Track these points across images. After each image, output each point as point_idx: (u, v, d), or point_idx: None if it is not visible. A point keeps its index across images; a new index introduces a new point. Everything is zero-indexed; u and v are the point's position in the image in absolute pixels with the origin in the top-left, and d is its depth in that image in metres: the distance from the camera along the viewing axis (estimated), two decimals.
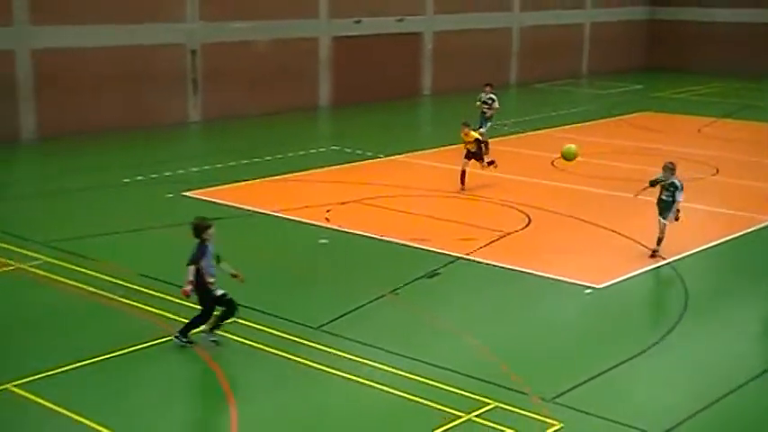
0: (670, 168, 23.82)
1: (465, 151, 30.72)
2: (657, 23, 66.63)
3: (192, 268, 17.42)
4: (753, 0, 62.30)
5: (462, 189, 30.21)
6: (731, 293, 22.61)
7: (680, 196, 23.46)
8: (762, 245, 26.47)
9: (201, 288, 17.53)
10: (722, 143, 39.35)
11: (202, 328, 17.85)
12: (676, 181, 23.59)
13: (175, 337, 17.89)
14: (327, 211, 27.42)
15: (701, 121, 43.58)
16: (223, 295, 17.74)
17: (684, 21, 65.25)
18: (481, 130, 34.16)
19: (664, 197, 23.77)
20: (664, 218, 23.63)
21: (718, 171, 34.31)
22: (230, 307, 17.93)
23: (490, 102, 36.05)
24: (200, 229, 18.11)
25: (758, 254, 25.84)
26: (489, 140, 34.48)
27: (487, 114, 35.99)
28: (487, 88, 36.52)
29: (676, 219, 23.62)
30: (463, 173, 30.29)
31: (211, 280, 17.53)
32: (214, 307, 17.72)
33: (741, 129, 42.80)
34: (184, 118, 42.04)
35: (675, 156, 34.81)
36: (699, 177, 33.33)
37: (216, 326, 18.00)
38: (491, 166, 30.99)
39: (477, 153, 30.65)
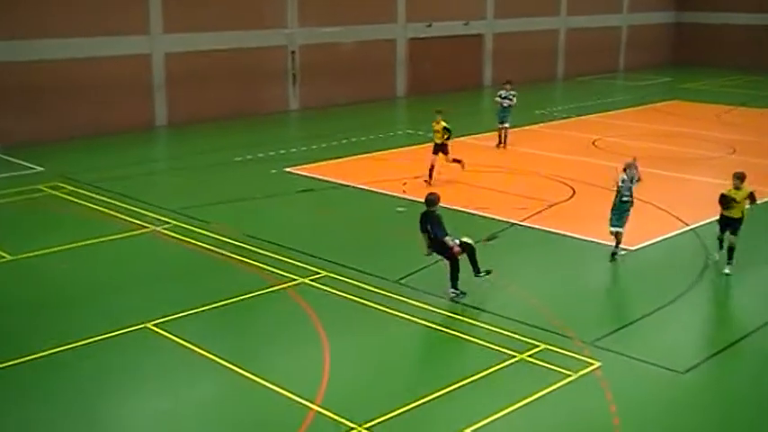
0: (635, 166, 21.49)
1: (433, 146, 28.46)
2: (683, 26, 65.76)
3: (448, 238, 18.10)
4: (762, 6, 61.28)
5: (429, 183, 27.50)
6: (744, 253, 22.29)
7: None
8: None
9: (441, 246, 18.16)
10: (738, 128, 38.85)
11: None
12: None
13: (452, 293, 18.30)
14: (404, 184, 27.44)
15: (720, 109, 43.02)
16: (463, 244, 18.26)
17: (705, 24, 64.38)
18: (506, 125, 33.58)
19: (624, 199, 20.95)
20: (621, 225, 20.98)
21: (734, 151, 33.89)
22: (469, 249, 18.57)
23: (511, 97, 33.63)
24: (433, 201, 18.63)
25: (766, 222, 25.47)
26: (513, 129, 34.13)
27: (507, 107, 33.50)
28: (507, 86, 34.14)
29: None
30: (432, 167, 28.16)
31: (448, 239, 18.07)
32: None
33: (754, 115, 42.20)
34: (285, 107, 42.26)
35: (698, 137, 34.58)
36: (718, 156, 33.00)
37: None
38: (457, 163, 28.61)
39: (443, 146, 28.24)
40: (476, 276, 18.68)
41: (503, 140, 33.62)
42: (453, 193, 26.67)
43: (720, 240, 21.13)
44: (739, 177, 20.63)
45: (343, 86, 44.17)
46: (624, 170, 21.23)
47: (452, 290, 18.21)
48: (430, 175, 28.01)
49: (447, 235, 18.32)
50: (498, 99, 33.89)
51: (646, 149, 33.55)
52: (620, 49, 62.27)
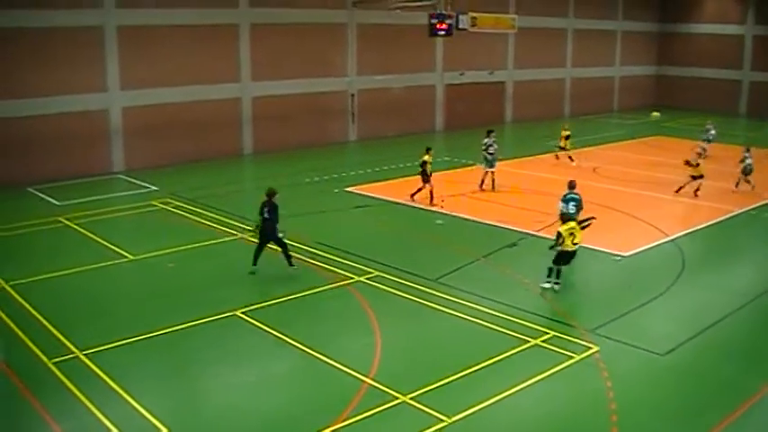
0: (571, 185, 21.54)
1: (421, 174, 27.27)
2: (663, 77, 65.27)
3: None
4: (726, 63, 60.73)
5: (432, 204, 26.90)
6: (713, 259, 22.18)
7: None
8: (735, 227, 25.77)
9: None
10: (707, 159, 38.29)
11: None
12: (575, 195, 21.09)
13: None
14: (442, 201, 27.25)
15: (694, 143, 42.39)
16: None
17: (681, 75, 63.95)
18: (493, 169, 29.73)
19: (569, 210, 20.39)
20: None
21: (704, 177, 33.35)
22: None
23: (490, 145, 29.54)
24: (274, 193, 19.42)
25: (732, 233, 25.24)
26: (531, 157, 33.52)
27: (489, 158, 29.64)
28: (492, 134, 29.91)
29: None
30: (419, 190, 27.32)
31: None
32: None
33: (722, 149, 41.58)
34: (346, 138, 42.30)
35: (677, 166, 34.06)
36: (690, 181, 32.49)
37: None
38: (412, 197, 27.46)
39: (426, 176, 27.05)
40: (290, 266, 19.21)
41: (492, 184, 29.84)
42: (481, 208, 26.59)
43: None
44: None
45: (392, 122, 44.14)
46: (569, 188, 21.48)
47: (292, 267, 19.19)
48: (431, 199, 27.16)
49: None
50: (484, 147, 29.93)
51: (636, 175, 33.27)
52: (614, 93, 61.86)
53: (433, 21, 33.83)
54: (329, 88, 41.09)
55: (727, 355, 15.41)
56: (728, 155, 36.14)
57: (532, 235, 23.29)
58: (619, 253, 21.55)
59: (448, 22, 33.76)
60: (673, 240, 23.21)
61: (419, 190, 27.49)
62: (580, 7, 56.26)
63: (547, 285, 18.61)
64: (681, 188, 29.15)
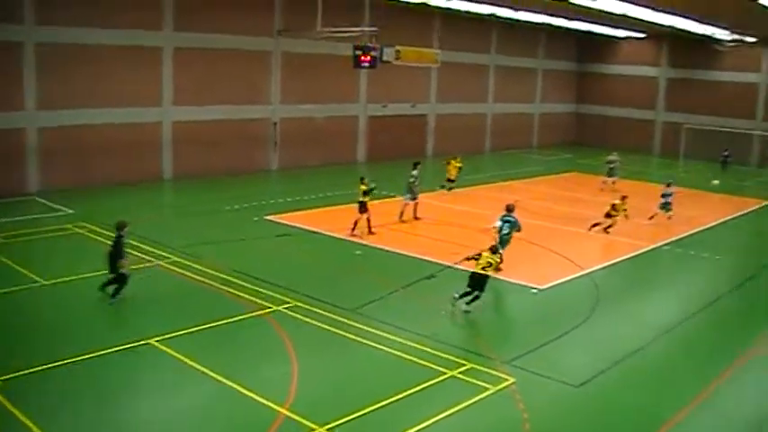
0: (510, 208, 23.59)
1: (358, 205, 27.22)
2: (580, 115, 66.82)
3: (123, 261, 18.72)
4: (642, 103, 62.49)
5: (353, 234, 26.91)
6: (627, 293, 22.55)
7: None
8: (647, 262, 26.36)
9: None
10: (620, 195, 39.08)
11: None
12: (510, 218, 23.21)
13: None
14: (362, 232, 27.20)
15: (608, 179, 43.28)
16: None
17: (597, 114, 65.61)
18: (416, 200, 30.20)
19: (504, 233, 22.94)
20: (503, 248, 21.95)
21: (617, 212, 34.02)
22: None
23: (416, 177, 30.14)
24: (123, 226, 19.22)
25: (644, 268, 25.82)
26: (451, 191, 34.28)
27: (417, 185, 30.22)
28: (419, 167, 30.84)
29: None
30: (356, 222, 27.25)
31: None
32: None
33: (632, 185, 42.51)
34: (268, 166, 42.03)
35: (591, 201, 34.78)
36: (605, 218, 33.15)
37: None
38: (353, 231, 27.08)
39: (364, 206, 27.09)
40: (112, 299, 18.85)
41: (414, 213, 30.22)
42: (400, 240, 26.59)
43: None
44: None
45: (314, 152, 44.03)
46: (507, 211, 23.35)
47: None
48: (355, 226, 27.14)
49: (123, 258, 18.84)
50: (410, 180, 30.17)
51: (553, 209, 33.76)
52: (533, 130, 62.92)
53: (358, 52, 33.91)
54: (252, 116, 40.86)
55: (640, 387, 15.62)
56: (642, 190, 36.95)
57: (450, 267, 23.36)
58: (535, 286, 21.75)
59: (372, 54, 33.87)
60: (588, 274, 23.56)
61: (358, 223, 27.24)
62: (502, 44, 57.20)
63: (463, 306, 19.10)
64: (596, 225, 29.60)
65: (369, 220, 27.34)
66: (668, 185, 31.67)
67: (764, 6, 30.34)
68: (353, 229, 27.24)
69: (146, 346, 16.15)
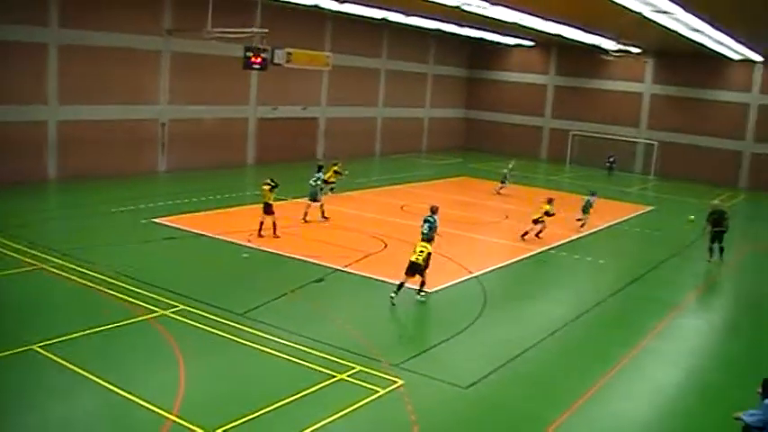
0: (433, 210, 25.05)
1: (263, 206, 27.44)
2: (470, 120, 67.91)
3: None
4: (530, 110, 63.97)
5: (260, 236, 26.90)
6: (515, 296, 23.03)
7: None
8: (534, 265, 27.00)
9: None
10: (510, 199, 39.96)
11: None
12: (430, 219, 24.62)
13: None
14: (249, 235, 27.04)
15: (497, 185, 44.16)
16: None
17: (485, 120, 66.85)
18: (320, 200, 30.83)
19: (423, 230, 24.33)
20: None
21: (507, 217, 34.81)
22: None
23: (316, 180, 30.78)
24: None
25: (531, 271, 26.43)
26: (340, 194, 33.93)
27: (319, 191, 30.86)
28: (321, 170, 31.47)
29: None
30: (261, 224, 27.30)
31: None
32: None
33: (521, 189, 43.48)
34: (156, 168, 41.33)
35: (481, 206, 35.49)
36: (495, 221, 33.84)
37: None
38: (258, 233, 27.20)
39: (269, 208, 27.28)
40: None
41: (322, 214, 30.93)
42: (288, 243, 26.49)
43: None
44: None
45: (203, 154, 43.46)
46: (431, 212, 24.98)
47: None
48: (260, 232, 27.19)
49: None
50: (312, 182, 30.74)
51: (442, 214, 34.06)
52: (423, 134, 63.60)
53: (248, 54, 33.68)
54: (140, 116, 40.04)
55: (528, 387, 16.05)
56: (532, 195, 37.74)
57: (340, 270, 23.45)
58: (424, 289, 22.00)
59: (263, 56, 33.68)
60: (476, 277, 24.00)
61: (262, 224, 27.23)
62: (393, 49, 57.68)
63: (418, 298, 21.03)
64: (526, 233, 30.02)
65: (274, 223, 27.20)
66: (592, 194, 32.45)
67: (647, 18, 31.42)
68: (259, 231, 27.15)
69: (28, 352, 15.65)
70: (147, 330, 17.50)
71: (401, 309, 20.74)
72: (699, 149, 56.69)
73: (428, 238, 23.58)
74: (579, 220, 32.75)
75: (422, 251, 21.15)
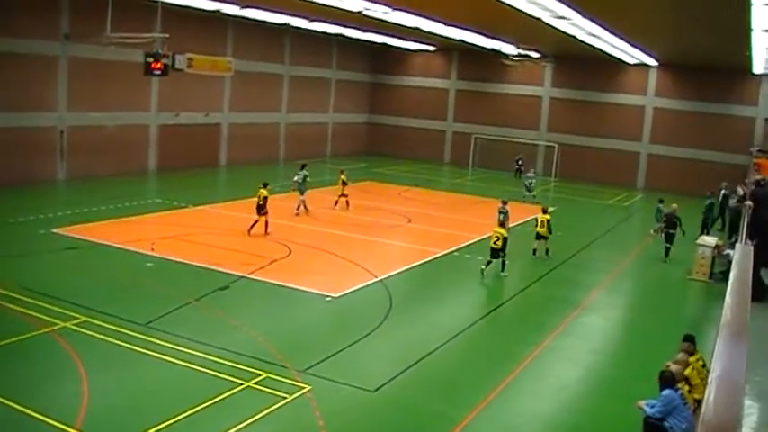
0: None
1: (256, 206, 29.75)
2: (374, 125, 68.21)
3: None
4: (433, 114, 64.82)
5: (249, 234, 29.08)
6: (419, 298, 23.30)
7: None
8: (438, 267, 27.35)
9: None
10: (413, 202, 40.43)
11: None
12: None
13: None
14: (153, 243, 26.73)
15: (400, 188, 44.60)
16: None
17: (389, 125, 67.31)
18: (302, 197, 34.61)
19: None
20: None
21: (410, 220, 35.18)
22: None
23: (301, 178, 34.79)
24: None
25: (435, 273, 26.75)
26: (241, 200, 34.35)
27: (301, 182, 34.66)
28: (305, 168, 35.42)
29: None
30: (255, 223, 29.44)
31: None
32: None
33: (425, 193, 44.06)
34: (54, 177, 40.37)
35: (385, 210, 35.83)
36: (399, 225, 34.15)
37: None
38: (266, 228, 29.64)
39: (263, 208, 29.57)
40: None
41: (304, 207, 34.83)
42: (192, 251, 26.28)
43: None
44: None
45: (104, 161, 42.62)
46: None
47: None
48: (249, 229, 29.39)
49: None
50: (295, 178, 34.87)
51: (347, 218, 34.35)
52: (327, 139, 63.70)
53: (149, 59, 33.23)
54: (37, 123, 38.99)
55: (435, 388, 16.35)
56: (434, 199, 38.10)
57: (245, 277, 23.38)
58: (329, 294, 22.14)
59: (164, 61, 33.27)
60: (381, 281, 24.23)
61: (256, 224, 29.42)
62: (296, 54, 57.61)
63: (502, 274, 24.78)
64: (535, 251, 29.84)
65: (267, 222, 29.65)
66: (504, 203, 32.68)
67: (547, 24, 32.16)
68: (250, 230, 29.25)
69: None
70: (47, 344, 17.13)
71: (306, 314, 20.85)
72: (598, 151, 58.24)
73: (503, 225, 27.04)
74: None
75: (498, 237, 25.61)
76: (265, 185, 30.02)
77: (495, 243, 25.79)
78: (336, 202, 36.71)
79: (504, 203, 30.15)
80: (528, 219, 34.31)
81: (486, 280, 26.16)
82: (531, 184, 44.12)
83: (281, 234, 29.74)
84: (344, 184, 36.83)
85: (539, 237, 29.45)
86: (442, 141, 64.96)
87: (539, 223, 29.42)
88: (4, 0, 35.85)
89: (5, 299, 19.74)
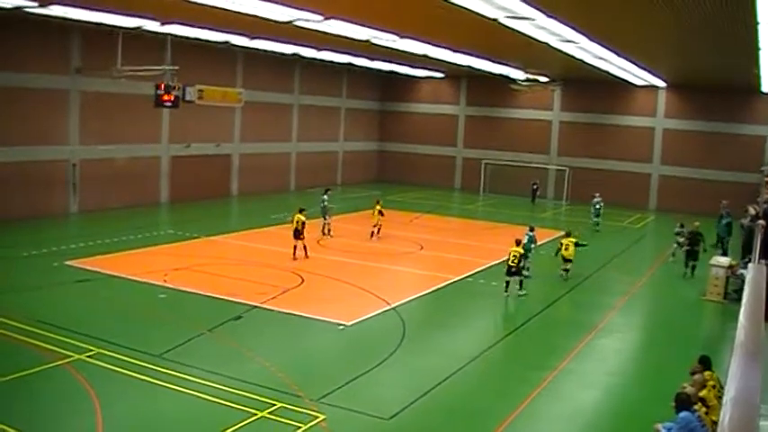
0: None
1: (293, 232, 30.57)
2: (385, 152, 68.37)
3: None
4: (442, 140, 64.86)
5: (295, 259, 30.23)
6: (433, 325, 23.20)
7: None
8: (451, 294, 27.26)
9: None
10: (425, 229, 40.38)
11: None
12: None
13: None
14: (165, 275, 26.78)
15: (412, 215, 44.61)
16: None
17: (399, 152, 67.43)
18: (327, 219, 36.48)
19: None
20: None
21: (422, 247, 35.15)
22: None
23: (327, 200, 37.06)
24: None
25: (449, 299, 26.66)
26: (253, 230, 34.75)
27: (325, 206, 36.75)
28: (330, 191, 38.44)
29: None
30: (295, 248, 30.56)
31: None
32: None
33: (436, 220, 44.05)
34: (67, 210, 40.55)
35: (397, 237, 35.82)
36: (411, 252, 34.12)
37: None
38: (305, 250, 30.71)
39: (300, 233, 30.46)
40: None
41: (327, 231, 36.46)
42: (205, 281, 26.29)
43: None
44: None
45: (116, 193, 42.86)
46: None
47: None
48: (294, 255, 30.58)
49: None
50: (323, 204, 36.71)
51: (359, 246, 34.33)
52: (338, 168, 63.83)
53: (159, 92, 33.53)
54: (49, 156, 39.24)
55: (450, 415, 16.23)
56: (446, 225, 38.06)
57: (258, 307, 23.37)
58: (342, 322, 22.09)
59: (174, 93, 33.60)
60: (394, 308, 24.16)
61: (297, 248, 30.62)
62: (305, 84, 57.91)
63: (519, 293, 26.39)
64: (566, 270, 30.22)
65: (305, 246, 30.78)
66: (531, 229, 32.51)
67: (554, 48, 32.27)
68: (294, 254, 30.48)
69: None
70: (61, 376, 17.13)
71: (319, 343, 20.80)
72: (609, 173, 58.20)
73: (526, 249, 27.95)
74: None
75: (515, 256, 26.31)
76: (302, 211, 31.05)
77: (512, 261, 26.56)
78: (372, 234, 36.86)
79: (531, 230, 30.24)
80: (541, 243, 34.18)
81: (500, 304, 26.12)
82: (599, 209, 44.00)
83: (293, 263, 29.75)
84: (381, 214, 37.04)
85: (565, 260, 29.90)
86: (452, 167, 65.05)
87: (563, 246, 29.85)
88: (17, 35, 36.25)
89: (20, 332, 19.78)
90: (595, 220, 43.26)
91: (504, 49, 37.52)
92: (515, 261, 26.46)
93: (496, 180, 61.12)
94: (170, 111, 41.25)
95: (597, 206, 43.28)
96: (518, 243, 27.33)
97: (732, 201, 39.35)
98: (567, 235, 30.59)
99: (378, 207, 37.06)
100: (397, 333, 21.60)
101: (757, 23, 22.33)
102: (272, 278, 27.21)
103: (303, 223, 30.60)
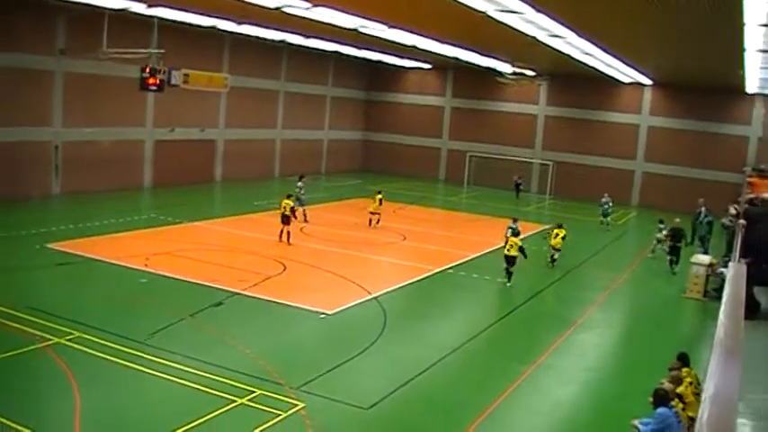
0: None
1: (281, 216, 31.41)
2: (369, 142, 68.29)
3: None
4: (428, 131, 64.82)
5: (281, 241, 31.16)
6: (414, 316, 23.29)
7: None
8: (433, 285, 27.36)
9: None
10: (408, 220, 40.43)
11: None
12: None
13: None
14: (147, 259, 26.70)
15: (395, 206, 44.57)
16: None
17: (384, 142, 67.34)
18: (301, 207, 36.28)
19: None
20: None
21: (405, 238, 35.19)
22: None
23: (302, 188, 37.21)
24: None
25: (430, 290, 26.75)
26: (235, 216, 34.70)
27: (303, 194, 36.94)
28: (304, 179, 38.50)
29: None
30: (281, 232, 31.37)
31: None
32: None
33: (419, 211, 44.08)
34: (49, 192, 40.32)
35: (379, 228, 35.86)
36: (393, 242, 34.16)
37: None
38: (289, 242, 31.13)
39: (287, 218, 31.22)
40: None
41: (305, 218, 36.90)
42: (187, 267, 26.25)
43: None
44: None
45: (99, 177, 42.60)
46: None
47: None
48: (280, 238, 31.32)
49: None
50: (296, 191, 36.08)
51: (341, 235, 34.37)
52: (322, 156, 63.76)
53: (145, 75, 33.35)
54: (31, 138, 38.94)
55: (429, 405, 16.30)
56: (429, 217, 38.12)
57: (239, 293, 23.35)
58: (323, 311, 22.12)
59: (159, 77, 33.41)
60: (375, 298, 24.22)
61: (283, 232, 31.37)
62: (292, 71, 57.77)
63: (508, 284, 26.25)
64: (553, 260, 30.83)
65: (289, 233, 31.35)
66: (514, 221, 32.66)
67: (541, 42, 32.30)
68: (280, 237, 31.26)
69: None
70: (40, 360, 17.03)
71: (300, 332, 20.81)
72: (593, 169, 58.42)
73: (515, 235, 28.85)
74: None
75: (511, 245, 27.25)
76: (289, 196, 32.15)
77: (508, 250, 27.53)
78: (370, 221, 37.33)
79: (515, 221, 30.71)
80: (523, 236, 34.29)
81: (481, 296, 26.25)
82: (608, 208, 44.02)
83: (276, 251, 29.74)
84: (381, 203, 37.48)
85: (553, 248, 31.21)
86: (437, 159, 65.10)
87: (553, 234, 31.18)
88: (0, 15, 35.93)
89: None
90: (605, 219, 43.43)
91: (492, 41, 37.50)
92: (513, 251, 27.35)
93: (481, 172, 61.24)
94: (155, 94, 40.95)
95: (606, 206, 43.47)
96: (515, 234, 28.50)
97: (713, 200, 39.64)
98: (560, 226, 31.55)
99: (379, 197, 37.20)
100: (379, 323, 21.65)
101: (744, 24, 22.43)
102: (254, 265, 27.19)
103: (293, 209, 31.67)
